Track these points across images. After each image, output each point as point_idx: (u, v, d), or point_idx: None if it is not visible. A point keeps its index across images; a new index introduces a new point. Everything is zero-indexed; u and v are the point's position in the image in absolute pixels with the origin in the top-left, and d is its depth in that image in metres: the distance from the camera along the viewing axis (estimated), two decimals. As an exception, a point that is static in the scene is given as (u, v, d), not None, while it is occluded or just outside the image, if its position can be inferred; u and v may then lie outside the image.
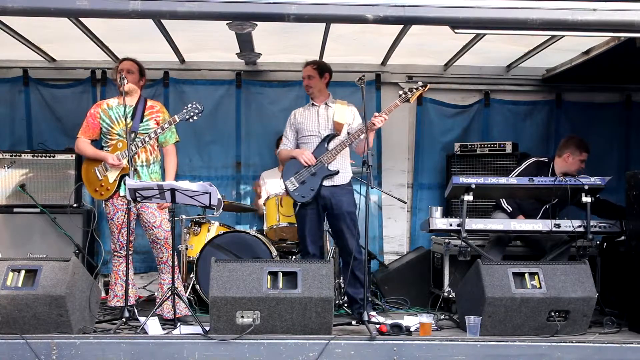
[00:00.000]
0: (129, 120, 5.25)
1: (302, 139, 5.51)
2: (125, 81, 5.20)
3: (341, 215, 5.31)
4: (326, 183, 5.34)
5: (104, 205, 5.42)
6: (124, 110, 5.22)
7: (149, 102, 5.50)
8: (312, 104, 5.55)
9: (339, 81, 6.34)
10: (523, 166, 5.92)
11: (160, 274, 5.42)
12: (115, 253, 5.35)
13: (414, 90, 5.27)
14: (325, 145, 5.39)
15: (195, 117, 5.31)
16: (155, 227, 5.28)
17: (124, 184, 5.10)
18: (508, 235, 5.62)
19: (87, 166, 5.43)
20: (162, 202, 5.04)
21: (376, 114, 5.25)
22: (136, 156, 5.28)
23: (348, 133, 5.38)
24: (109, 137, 5.37)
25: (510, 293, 4.58)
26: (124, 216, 5.18)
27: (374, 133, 5.41)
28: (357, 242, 5.30)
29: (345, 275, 5.41)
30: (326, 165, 5.34)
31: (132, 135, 5.25)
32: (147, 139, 5.26)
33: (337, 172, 5.34)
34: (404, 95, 5.27)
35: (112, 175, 5.29)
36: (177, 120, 5.30)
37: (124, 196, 5.20)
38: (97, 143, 5.49)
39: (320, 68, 5.52)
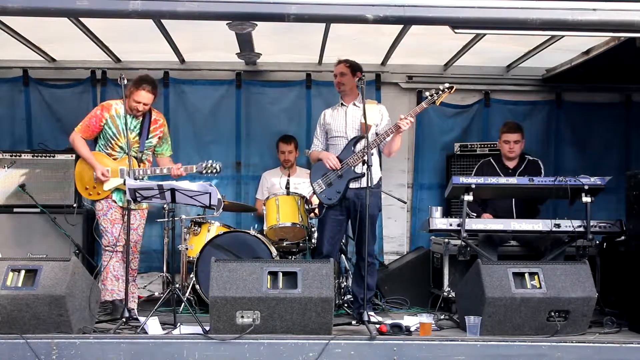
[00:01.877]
0: (134, 135, 5.35)
1: (331, 140, 5.49)
2: (125, 81, 5.19)
3: (361, 218, 5.26)
4: (352, 185, 5.32)
5: (95, 202, 5.46)
6: (138, 126, 5.36)
7: (154, 115, 5.52)
8: (341, 104, 5.52)
9: (339, 81, 6.35)
10: (475, 170, 6.11)
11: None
12: (107, 248, 5.34)
13: (441, 93, 5.26)
14: (352, 147, 5.36)
15: (210, 175, 5.42)
16: (131, 230, 5.25)
17: (122, 196, 5.21)
18: (499, 236, 5.63)
19: (83, 165, 5.47)
20: (162, 202, 5.06)
21: (402, 116, 5.21)
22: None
23: (376, 134, 5.34)
24: (110, 145, 5.42)
25: (510, 293, 4.58)
26: (117, 212, 5.32)
27: (400, 136, 5.34)
28: (372, 245, 5.29)
29: (355, 274, 5.45)
30: (353, 167, 5.32)
31: (140, 155, 5.38)
32: (157, 172, 5.41)
33: (363, 175, 5.28)
34: (430, 98, 5.26)
35: (109, 185, 5.35)
36: (194, 171, 5.42)
37: (115, 201, 5.36)
38: (90, 142, 5.54)
39: (353, 66, 5.46)
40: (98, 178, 5.32)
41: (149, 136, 5.45)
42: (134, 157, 5.34)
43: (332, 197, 5.33)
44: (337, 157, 5.37)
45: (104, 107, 5.46)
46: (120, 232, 5.29)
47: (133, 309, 5.12)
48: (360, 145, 5.35)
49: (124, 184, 5.15)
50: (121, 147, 5.38)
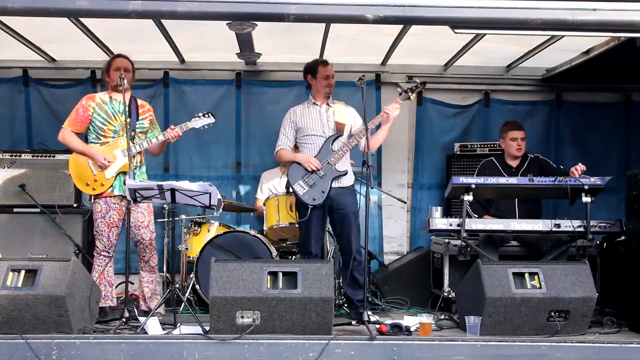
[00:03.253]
0: (124, 117, 5.25)
1: (304, 139, 5.47)
2: (125, 81, 5.20)
3: (347, 216, 5.30)
4: (333, 184, 5.33)
5: (93, 202, 5.32)
6: (124, 108, 5.23)
7: (139, 101, 5.49)
8: (314, 103, 5.52)
9: (339, 81, 6.29)
10: (477, 170, 6.10)
11: (140, 271, 5.43)
12: (103, 252, 5.27)
13: (414, 89, 5.38)
14: (330, 146, 5.38)
15: (206, 127, 5.38)
16: (142, 227, 5.27)
17: (124, 184, 5.10)
18: (499, 236, 5.63)
19: (77, 159, 5.33)
20: (161, 202, 5.05)
21: (393, 102, 5.35)
22: (137, 156, 5.28)
23: (351, 135, 5.39)
24: (102, 133, 5.30)
25: (510, 293, 4.58)
26: (116, 215, 5.21)
27: (389, 129, 5.39)
28: (358, 243, 5.30)
29: (345, 275, 5.41)
30: (334, 166, 5.33)
31: (132, 133, 5.24)
32: (154, 141, 5.28)
33: (345, 173, 5.33)
34: (404, 94, 5.35)
35: (110, 172, 5.24)
36: (190, 127, 5.33)
37: (119, 196, 5.23)
38: (81, 136, 5.43)
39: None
40: (102, 165, 5.18)
41: (139, 118, 5.37)
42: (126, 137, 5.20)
43: (317, 198, 5.29)
44: (316, 156, 5.36)
45: (87, 97, 5.43)
46: (117, 237, 5.25)
47: (158, 312, 5.05)
48: (338, 145, 5.37)
49: (127, 163, 5.16)
50: (114, 131, 5.30)
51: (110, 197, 5.25)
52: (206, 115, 5.38)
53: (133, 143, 5.23)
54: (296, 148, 5.66)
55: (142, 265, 5.41)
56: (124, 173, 5.23)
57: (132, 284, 5.57)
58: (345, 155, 5.38)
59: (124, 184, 5.14)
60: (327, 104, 5.49)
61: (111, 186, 5.24)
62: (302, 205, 5.32)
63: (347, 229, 5.30)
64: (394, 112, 5.29)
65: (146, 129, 5.45)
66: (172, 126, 5.37)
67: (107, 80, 5.43)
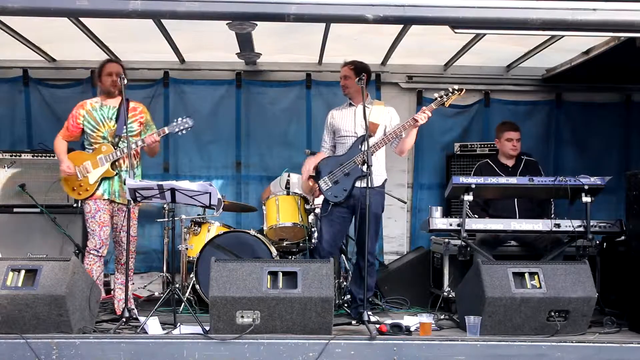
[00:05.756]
0: (112, 123, 5.31)
1: (339, 139, 5.49)
2: (125, 81, 5.19)
3: (366, 216, 5.27)
4: (358, 184, 5.31)
5: (81, 204, 5.44)
6: (112, 114, 5.29)
7: (132, 104, 5.49)
8: (350, 104, 5.52)
9: (339, 81, 6.33)
10: (473, 171, 6.11)
11: (115, 273, 5.47)
12: (92, 251, 5.28)
13: (450, 94, 5.28)
14: (359, 145, 5.36)
15: (184, 132, 5.38)
16: (123, 230, 5.27)
17: (124, 183, 5.10)
18: (494, 238, 5.62)
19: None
20: (162, 202, 5.04)
21: (424, 108, 5.29)
22: (121, 161, 5.30)
23: (384, 134, 5.36)
24: (92, 140, 5.37)
25: (510, 293, 4.58)
26: (106, 215, 5.27)
27: (417, 131, 5.39)
28: (374, 245, 5.26)
29: (355, 273, 5.44)
30: (359, 165, 5.32)
31: (117, 139, 5.28)
32: (132, 146, 5.27)
33: (370, 173, 5.30)
34: (439, 99, 5.28)
35: (93, 177, 5.30)
36: (167, 132, 5.35)
37: (108, 199, 5.30)
38: (76, 144, 5.51)
39: (357, 69, 5.42)
40: (63, 171, 5.31)
41: (127, 122, 5.34)
42: (111, 143, 5.31)
43: (338, 195, 5.32)
44: (344, 155, 5.36)
45: (78, 106, 5.49)
46: (108, 236, 5.28)
47: (133, 309, 5.10)
48: (366, 145, 5.34)
49: (110, 169, 5.24)
50: (103, 137, 5.34)
51: (99, 199, 5.32)
52: (183, 119, 5.38)
53: (116, 148, 5.29)
54: None
55: (117, 267, 5.45)
56: (108, 178, 5.31)
57: (132, 283, 5.61)
58: (376, 155, 5.31)
59: (123, 186, 5.21)
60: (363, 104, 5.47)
61: (97, 189, 5.30)
62: (325, 200, 5.41)
63: (364, 229, 5.24)
64: (422, 120, 5.22)
65: (136, 132, 5.44)
66: (152, 132, 5.41)
67: (99, 84, 5.47)
